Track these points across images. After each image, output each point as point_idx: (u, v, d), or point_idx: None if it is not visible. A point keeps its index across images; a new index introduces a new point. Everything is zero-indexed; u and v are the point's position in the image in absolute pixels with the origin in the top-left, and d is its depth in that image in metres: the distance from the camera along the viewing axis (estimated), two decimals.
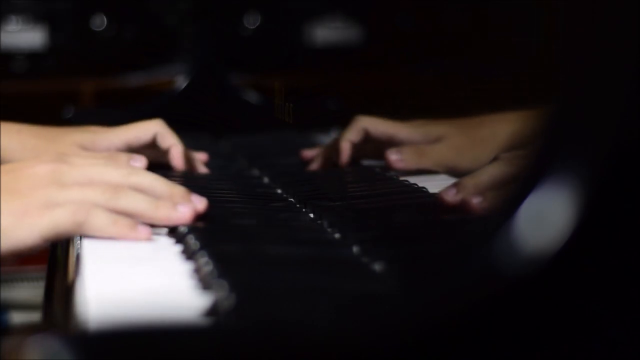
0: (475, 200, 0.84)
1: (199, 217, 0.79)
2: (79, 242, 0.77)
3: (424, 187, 0.96)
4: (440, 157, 1.08)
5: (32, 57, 2.02)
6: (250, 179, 1.09)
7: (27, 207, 0.75)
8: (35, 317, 1.71)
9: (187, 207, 0.78)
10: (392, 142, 1.11)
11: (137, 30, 2.05)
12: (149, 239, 0.76)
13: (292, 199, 0.94)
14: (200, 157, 1.14)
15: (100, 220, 0.75)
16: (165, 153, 1.11)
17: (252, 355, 0.45)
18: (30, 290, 1.85)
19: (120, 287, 0.64)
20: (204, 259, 0.65)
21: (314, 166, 1.14)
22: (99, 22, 2.03)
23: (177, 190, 0.80)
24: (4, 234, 0.74)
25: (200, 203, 0.79)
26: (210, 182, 1.04)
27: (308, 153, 1.18)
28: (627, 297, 0.47)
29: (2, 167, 0.80)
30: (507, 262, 0.45)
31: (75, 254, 0.76)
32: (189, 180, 1.03)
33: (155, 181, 0.80)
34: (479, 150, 0.98)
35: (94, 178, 0.79)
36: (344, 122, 1.21)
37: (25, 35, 2.01)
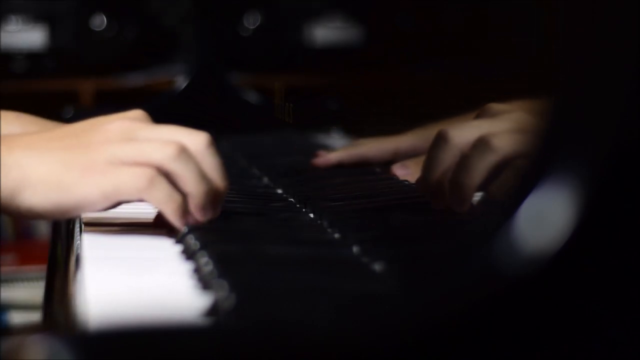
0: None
1: None
2: (79, 241, 0.77)
3: None
4: None
5: (32, 57, 2.02)
6: (250, 179, 1.09)
7: (91, 163, 0.74)
8: (35, 317, 1.71)
9: (218, 210, 0.77)
10: (396, 157, 1.09)
11: (137, 30, 2.05)
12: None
13: (292, 199, 0.94)
14: None
15: (159, 193, 0.74)
16: None
17: (252, 355, 0.45)
18: (30, 290, 1.86)
19: (120, 287, 0.64)
20: (204, 259, 0.65)
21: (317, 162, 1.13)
22: (99, 22, 2.03)
23: (224, 187, 0.77)
24: (68, 189, 0.74)
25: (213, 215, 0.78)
26: None
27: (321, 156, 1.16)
28: (627, 297, 0.47)
29: (82, 122, 0.79)
30: (507, 262, 0.45)
31: (75, 254, 0.76)
32: None
33: (217, 167, 0.77)
34: None
35: (164, 136, 0.77)
36: (343, 122, 1.21)
37: (25, 35, 2.01)
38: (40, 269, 1.80)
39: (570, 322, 0.47)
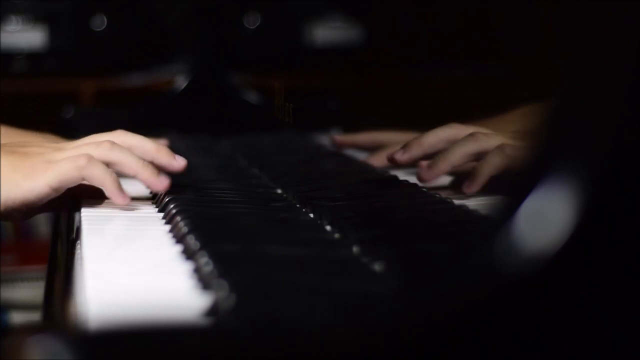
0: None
1: (199, 217, 0.79)
2: (79, 242, 0.77)
3: (423, 187, 0.96)
4: None
5: (32, 57, 2.02)
6: (250, 179, 1.09)
7: (33, 165, 0.86)
8: (35, 317, 1.71)
9: (166, 178, 0.89)
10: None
11: (137, 30, 2.05)
12: (126, 203, 0.88)
13: (292, 199, 0.94)
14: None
15: (97, 170, 0.86)
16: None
17: (252, 355, 0.45)
18: (30, 290, 1.85)
19: (120, 287, 0.64)
20: (204, 259, 0.65)
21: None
22: (99, 22, 2.03)
23: (163, 149, 0.91)
24: (15, 185, 0.85)
25: (181, 162, 0.91)
26: (210, 182, 1.04)
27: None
28: (627, 297, 0.47)
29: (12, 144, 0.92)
30: (507, 262, 0.45)
31: (75, 254, 0.76)
32: (190, 180, 1.03)
33: (143, 140, 0.92)
34: None
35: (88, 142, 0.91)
36: (343, 122, 1.22)
37: (25, 35, 2.01)
38: (40, 269, 1.79)
39: (570, 322, 0.47)
